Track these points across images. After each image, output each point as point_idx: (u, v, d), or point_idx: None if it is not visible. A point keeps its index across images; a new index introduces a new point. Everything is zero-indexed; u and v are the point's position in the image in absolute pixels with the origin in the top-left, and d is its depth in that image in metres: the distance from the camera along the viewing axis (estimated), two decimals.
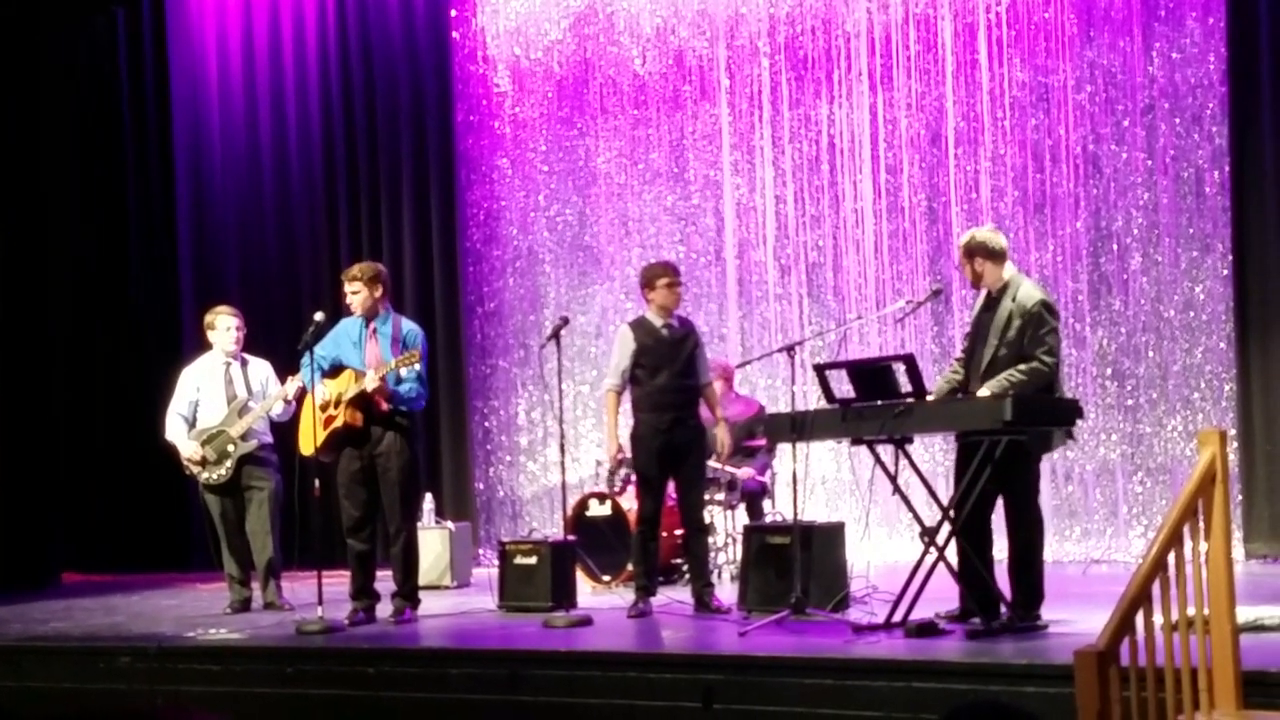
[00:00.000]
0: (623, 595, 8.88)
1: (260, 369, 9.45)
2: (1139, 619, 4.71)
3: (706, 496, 9.04)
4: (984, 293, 7.34)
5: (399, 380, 8.24)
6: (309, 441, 8.42)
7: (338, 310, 9.13)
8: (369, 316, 8.38)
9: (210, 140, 13.37)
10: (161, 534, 12.78)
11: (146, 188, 13.38)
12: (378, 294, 8.38)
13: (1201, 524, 4.98)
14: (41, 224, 11.78)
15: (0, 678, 7.56)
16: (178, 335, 12.82)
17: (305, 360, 8.34)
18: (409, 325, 8.58)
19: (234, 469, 9.17)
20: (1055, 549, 10.53)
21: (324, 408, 8.21)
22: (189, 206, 13.31)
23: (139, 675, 7.51)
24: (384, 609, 8.40)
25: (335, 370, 8.40)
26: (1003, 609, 6.98)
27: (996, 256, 7.24)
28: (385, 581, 8.54)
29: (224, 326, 9.35)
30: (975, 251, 7.24)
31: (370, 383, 8.12)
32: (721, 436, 8.65)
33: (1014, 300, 7.11)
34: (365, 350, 8.34)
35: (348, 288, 8.40)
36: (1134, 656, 4.67)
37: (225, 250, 13.30)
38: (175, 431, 9.35)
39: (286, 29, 13.30)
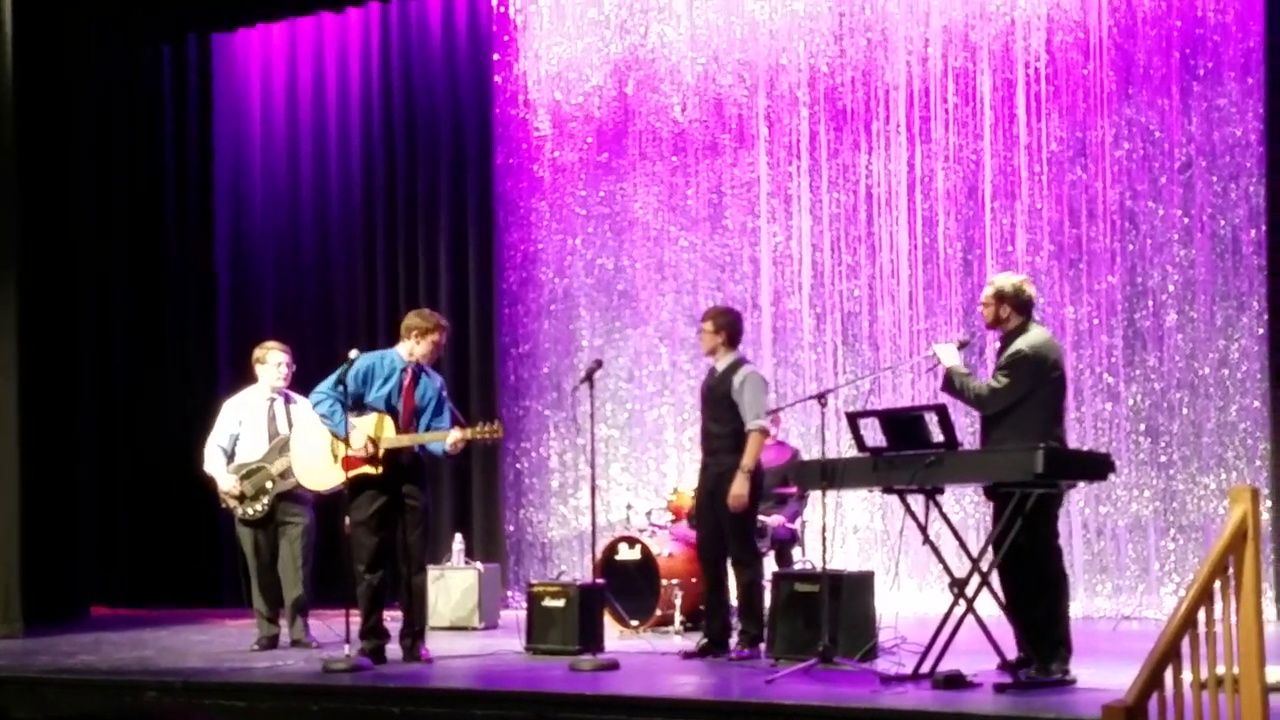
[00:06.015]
0: (650, 640, 8.86)
1: (304, 406, 9.46)
2: (1168, 676, 4.69)
3: None
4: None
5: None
6: (322, 477, 8.44)
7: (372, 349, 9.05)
8: (425, 365, 8.37)
9: (251, 177, 13.51)
10: (191, 569, 12.83)
11: (186, 222, 13.52)
12: None
13: (1232, 582, 4.96)
14: (78, 255, 11.85)
15: (25, 709, 7.57)
16: (213, 370, 12.92)
17: (324, 394, 8.22)
18: (439, 378, 8.58)
19: (270, 505, 9.20)
20: (1086, 604, 10.50)
21: (367, 459, 8.09)
22: (228, 242, 13.45)
23: (165, 709, 7.53)
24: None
25: (357, 408, 8.26)
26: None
27: (1022, 308, 7.29)
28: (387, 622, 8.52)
29: (274, 362, 9.38)
30: (1005, 297, 7.29)
31: (455, 441, 8.10)
32: (734, 488, 8.39)
33: (1012, 342, 7.19)
34: (401, 399, 8.26)
35: (438, 338, 8.36)
36: (1162, 713, 4.65)
37: (263, 288, 13.42)
38: (214, 464, 9.36)
39: (330, 70, 13.46)
